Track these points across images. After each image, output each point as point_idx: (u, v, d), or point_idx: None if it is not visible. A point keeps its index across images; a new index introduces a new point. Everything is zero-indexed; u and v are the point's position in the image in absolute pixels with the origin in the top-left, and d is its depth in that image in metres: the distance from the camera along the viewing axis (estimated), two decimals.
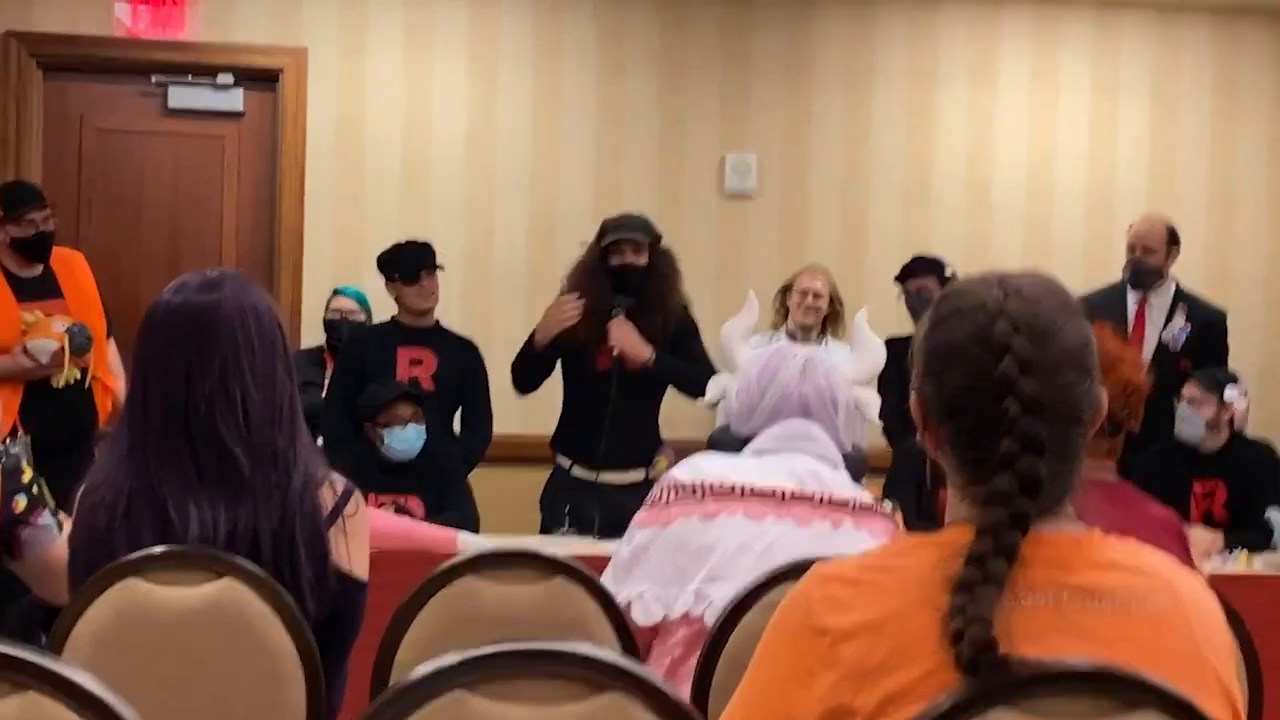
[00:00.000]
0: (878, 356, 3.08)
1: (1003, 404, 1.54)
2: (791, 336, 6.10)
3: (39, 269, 5.26)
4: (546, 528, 5.32)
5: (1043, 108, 7.10)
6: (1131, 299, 6.04)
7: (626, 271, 5.27)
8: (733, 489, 2.60)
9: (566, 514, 5.21)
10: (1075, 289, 1.70)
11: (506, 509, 5.53)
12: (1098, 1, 7.08)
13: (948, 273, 5.80)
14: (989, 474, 1.55)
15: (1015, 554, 1.52)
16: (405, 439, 5.02)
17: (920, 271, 5.88)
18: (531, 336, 5.38)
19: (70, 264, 5.35)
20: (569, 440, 5.41)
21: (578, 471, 5.33)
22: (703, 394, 5.41)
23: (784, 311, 6.30)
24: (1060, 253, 6.98)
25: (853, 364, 3.02)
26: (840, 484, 2.66)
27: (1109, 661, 1.49)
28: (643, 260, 5.29)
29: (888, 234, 6.96)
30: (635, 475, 5.31)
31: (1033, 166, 7.10)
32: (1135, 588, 1.55)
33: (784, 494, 2.58)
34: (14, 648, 1.48)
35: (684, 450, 5.86)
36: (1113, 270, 6.31)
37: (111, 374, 5.25)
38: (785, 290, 6.39)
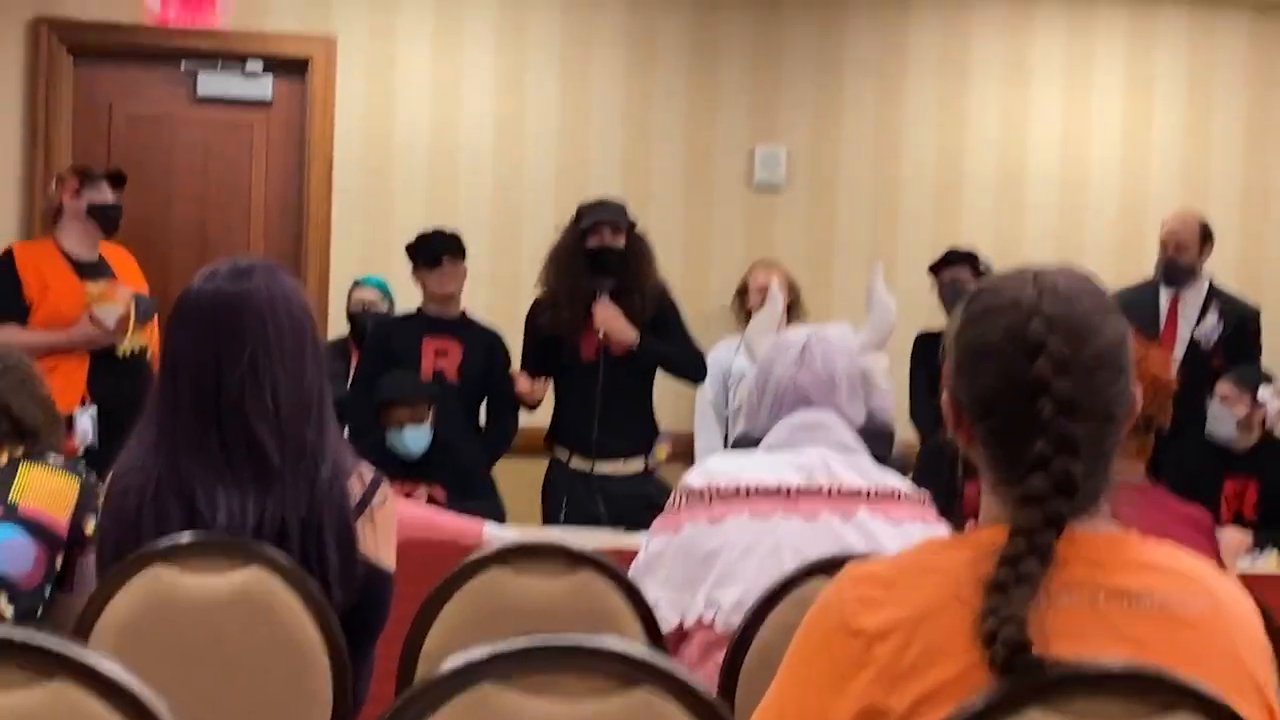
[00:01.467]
0: (887, 319, 2.98)
1: (1037, 404, 1.52)
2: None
3: (94, 254, 5.33)
4: (547, 522, 5.31)
5: (1076, 102, 7.06)
6: (1164, 296, 6.00)
7: (605, 253, 5.26)
8: (738, 490, 2.57)
9: (564, 507, 5.21)
10: (1108, 285, 1.68)
11: (530, 501, 5.53)
12: None
13: (982, 265, 5.78)
14: (1023, 474, 1.53)
15: (1050, 555, 1.50)
16: (402, 441, 5.02)
17: (955, 262, 5.86)
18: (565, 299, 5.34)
19: (120, 256, 5.45)
20: (563, 432, 5.40)
21: (575, 463, 5.32)
22: (697, 377, 5.46)
23: (745, 314, 6.31)
24: (1093, 247, 6.94)
25: (865, 330, 2.94)
26: (856, 472, 2.62)
27: (1145, 662, 1.48)
28: (620, 242, 5.30)
29: (918, 227, 6.93)
30: (634, 465, 5.32)
31: (1065, 161, 7.06)
32: (1173, 589, 1.54)
33: (790, 490, 2.56)
34: (39, 635, 1.47)
35: (684, 441, 5.90)
36: (1145, 265, 6.27)
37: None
38: (742, 292, 6.43)
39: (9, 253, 5.38)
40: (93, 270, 5.32)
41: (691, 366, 5.45)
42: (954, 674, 1.48)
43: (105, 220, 5.37)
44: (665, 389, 5.60)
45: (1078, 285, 1.60)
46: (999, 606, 1.47)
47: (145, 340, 5.25)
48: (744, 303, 6.47)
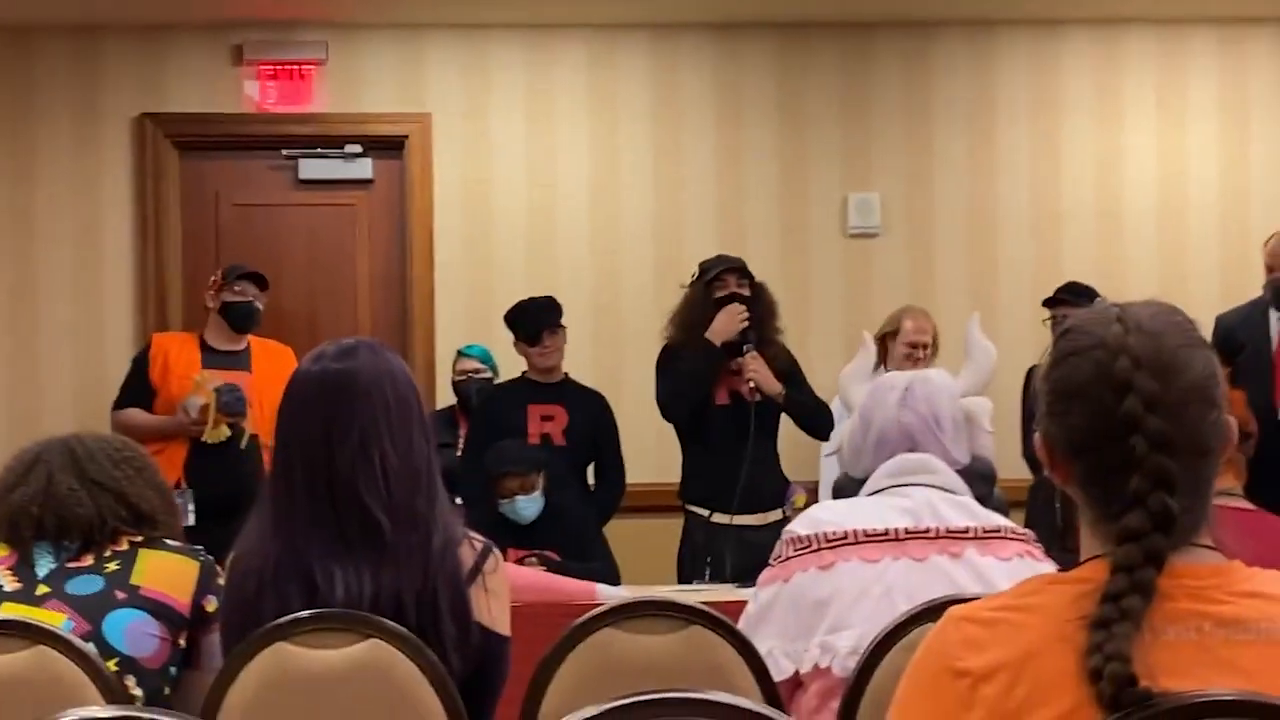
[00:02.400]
0: (987, 364, 3.01)
1: (1129, 441, 1.53)
2: None
3: (239, 345, 5.61)
4: (687, 581, 5.24)
5: (1170, 129, 6.99)
6: (1273, 318, 5.91)
7: (735, 300, 5.29)
8: (845, 536, 2.59)
9: (708, 564, 5.16)
10: (1213, 312, 1.68)
11: (643, 559, 5.55)
12: (1221, 19, 6.97)
13: (1096, 301, 5.73)
14: (1121, 511, 1.53)
15: (1152, 591, 1.50)
16: (515, 510, 5.07)
17: (1069, 299, 5.81)
18: (701, 346, 5.30)
19: (272, 351, 5.78)
20: (701, 487, 5.38)
21: (717, 518, 5.27)
22: (827, 429, 5.41)
23: (883, 353, 6.19)
24: (1196, 276, 6.85)
25: (963, 375, 2.97)
26: (962, 512, 2.63)
27: (1254, 692, 1.47)
28: (747, 291, 5.33)
29: (1018, 267, 6.90)
30: (774, 515, 5.29)
31: (1163, 190, 6.99)
32: (1278, 616, 1.53)
33: (898, 533, 2.57)
34: (167, 715, 1.53)
35: (811, 491, 5.89)
36: (1251, 290, 6.18)
37: None
38: (887, 335, 6.25)
39: (149, 342, 5.87)
40: (227, 361, 5.60)
41: (823, 419, 5.46)
42: (1062, 712, 1.48)
43: (236, 317, 5.75)
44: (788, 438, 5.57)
45: (1163, 320, 1.60)
46: (1103, 643, 1.47)
47: (234, 430, 5.49)
48: (885, 343, 6.29)
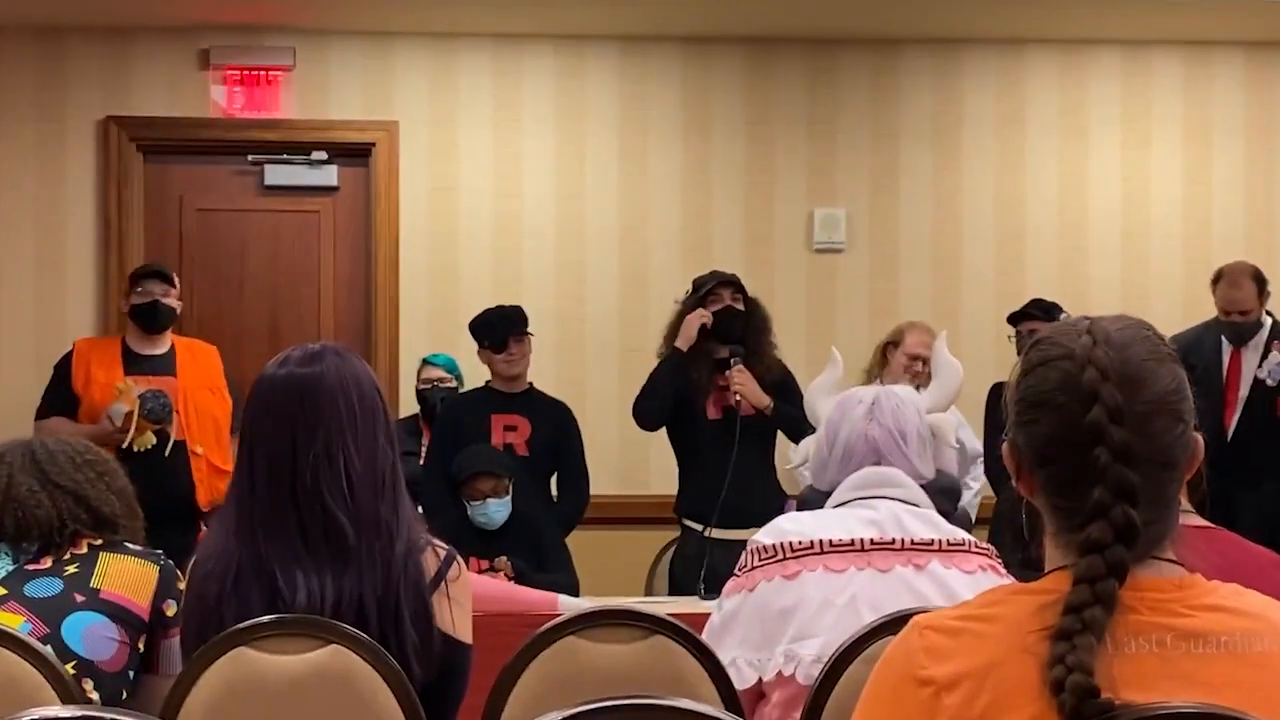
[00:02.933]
0: (953, 381, 3.04)
1: (1093, 453, 1.53)
2: None
3: (161, 348, 5.51)
4: (680, 593, 5.19)
5: (1134, 149, 7.04)
6: (1226, 344, 5.98)
7: (728, 314, 5.31)
8: (811, 545, 2.60)
9: (701, 580, 5.09)
10: (1175, 329, 1.69)
11: (606, 572, 5.54)
12: (1187, 41, 7.02)
13: (1061, 316, 5.77)
14: (1083, 522, 1.54)
15: (1113, 602, 1.51)
16: (485, 512, 5.08)
17: (1033, 315, 5.85)
18: (663, 360, 5.36)
19: (197, 352, 5.64)
20: (693, 501, 5.38)
21: (715, 533, 5.19)
22: None
23: (882, 363, 6.25)
24: (1158, 294, 6.90)
25: (929, 392, 3.00)
26: (926, 525, 2.64)
27: (1214, 705, 1.48)
28: (740, 305, 5.36)
29: (981, 284, 6.93)
30: None
31: (1126, 208, 7.04)
32: (1240, 630, 1.54)
33: (863, 543, 2.58)
34: (129, 715, 1.52)
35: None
36: (1212, 312, 6.23)
37: (230, 463, 5.40)
38: (889, 345, 6.29)
39: (71, 349, 5.71)
40: (150, 365, 5.50)
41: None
42: None
43: (144, 318, 5.62)
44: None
45: (1132, 333, 1.61)
46: (1065, 654, 1.48)
47: (160, 438, 5.39)
48: (885, 352, 6.33)
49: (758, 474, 5.33)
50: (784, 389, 5.38)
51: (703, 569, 5.09)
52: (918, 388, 6.19)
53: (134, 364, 5.56)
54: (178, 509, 5.21)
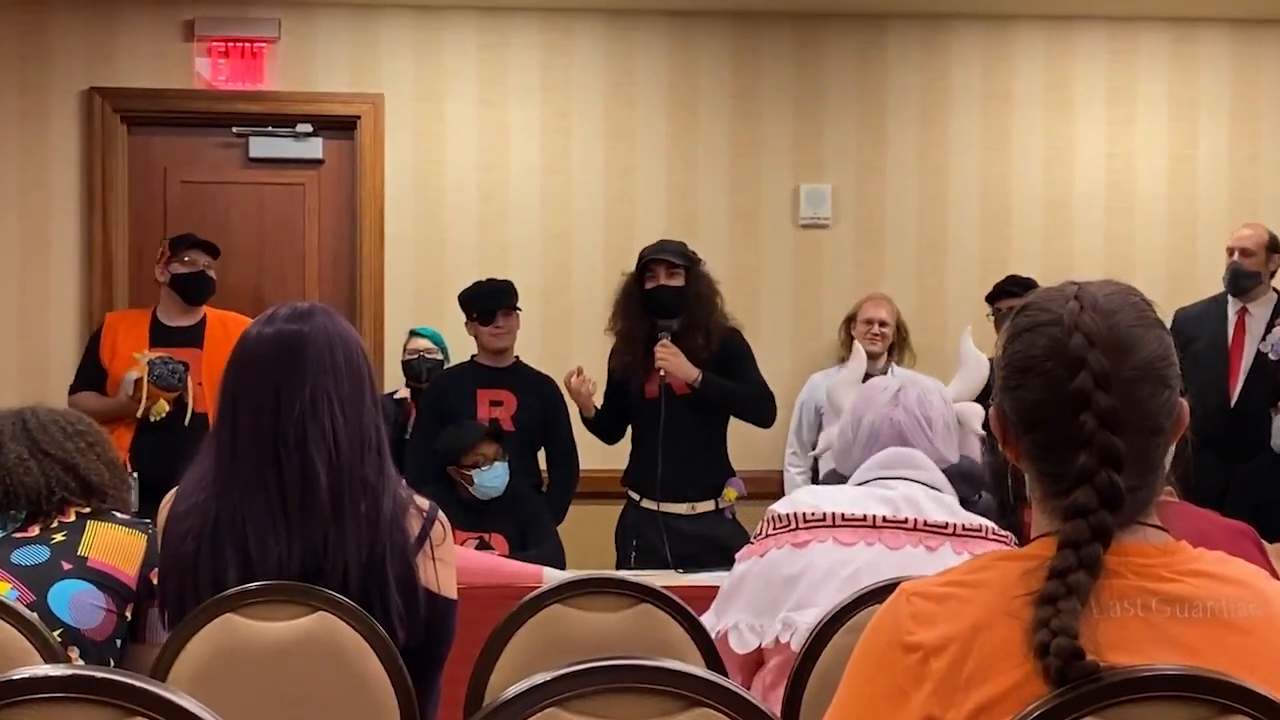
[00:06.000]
0: (980, 372, 3.08)
1: (1079, 418, 1.54)
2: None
3: (193, 319, 5.49)
4: (620, 565, 5.32)
5: (1120, 124, 7.06)
6: (1231, 309, 5.98)
7: (661, 293, 5.28)
8: (824, 517, 2.61)
9: (633, 548, 5.21)
10: (1161, 305, 1.69)
11: (590, 545, 5.55)
12: (1173, 18, 7.03)
13: None
14: (1069, 487, 1.55)
15: (1098, 567, 1.52)
16: (494, 476, 5.09)
17: (1012, 292, 5.87)
18: (627, 346, 5.39)
19: (230, 324, 5.57)
20: (633, 473, 5.42)
21: (646, 504, 5.32)
22: (764, 417, 5.41)
23: (849, 341, 6.32)
24: (1143, 267, 6.91)
25: (955, 382, 3.03)
26: (942, 508, 2.65)
27: (1198, 667, 1.49)
28: (676, 281, 5.29)
29: (966, 259, 6.94)
30: (704, 505, 5.29)
31: (1112, 185, 7.05)
32: (1224, 596, 1.55)
33: (875, 520, 2.59)
34: (120, 673, 1.52)
35: (758, 482, 5.91)
36: (1196, 285, 6.26)
37: None
38: (850, 320, 6.45)
39: (102, 322, 5.73)
40: (178, 337, 5.48)
41: (757, 406, 5.37)
42: (1009, 686, 1.50)
43: (188, 288, 5.59)
44: (739, 429, 5.58)
45: (1119, 299, 1.61)
46: (1049, 618, 1.49)
47: (176, 407, 5.36)
48: (849, 328, 6.46)
49: (696, 449, 5.30)
50: (729, 359, 5.33)
51: (636, 540, 5.23)
52: (890, 353, 6.29)
53: (161, 335, 5.54)
54: None
